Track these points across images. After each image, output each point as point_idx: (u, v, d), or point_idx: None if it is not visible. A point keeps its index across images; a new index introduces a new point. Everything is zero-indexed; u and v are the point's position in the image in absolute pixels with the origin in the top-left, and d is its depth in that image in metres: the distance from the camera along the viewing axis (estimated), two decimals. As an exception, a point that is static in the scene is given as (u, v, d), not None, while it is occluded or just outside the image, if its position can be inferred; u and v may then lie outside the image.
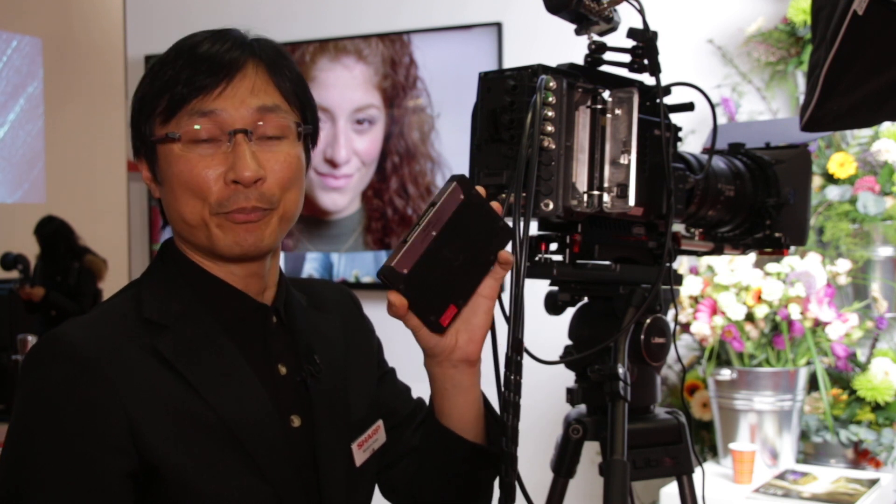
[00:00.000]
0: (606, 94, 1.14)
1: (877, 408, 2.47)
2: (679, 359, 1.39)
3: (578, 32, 1.21)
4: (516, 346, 1.02)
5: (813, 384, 2.50)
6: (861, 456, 2.51)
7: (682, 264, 2.64)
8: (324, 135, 3.42)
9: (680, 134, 1.32)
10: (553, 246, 1.27)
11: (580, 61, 1.24)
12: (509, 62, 3.12)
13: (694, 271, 2.55)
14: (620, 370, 1.23)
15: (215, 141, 1.06)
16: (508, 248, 1.05)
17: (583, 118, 1.13)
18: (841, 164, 2.56)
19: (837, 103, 1.37)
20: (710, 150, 1.38)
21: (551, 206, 1.09)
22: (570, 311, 1.40)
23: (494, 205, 1.04)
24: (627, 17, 1.23)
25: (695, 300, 2.46)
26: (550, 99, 1.08)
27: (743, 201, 1.45)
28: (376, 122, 3.44)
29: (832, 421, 2.48)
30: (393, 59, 3.40)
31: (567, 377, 1.40)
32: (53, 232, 5.32)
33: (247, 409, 1.06)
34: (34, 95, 6.08)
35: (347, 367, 1.22)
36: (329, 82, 3.48)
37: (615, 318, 1.31)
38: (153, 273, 1.14)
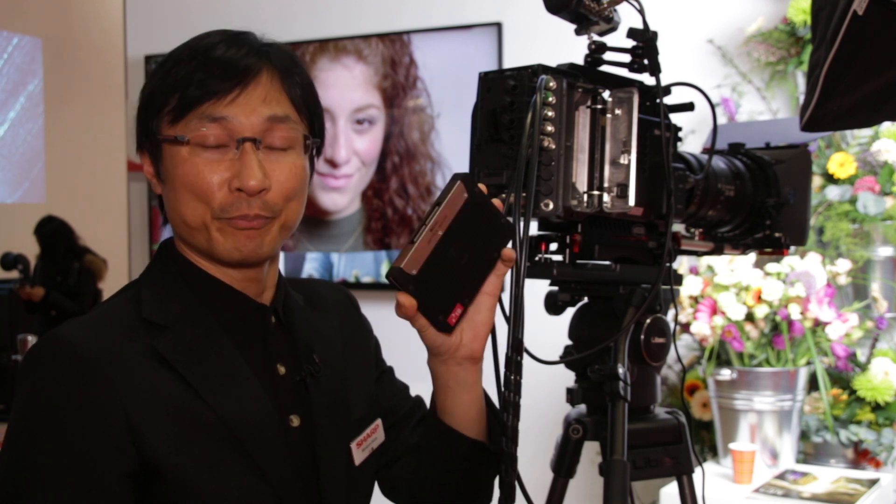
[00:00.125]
0: (606, 94, 1.14)
1: (877, 408, 2.47)
2: (679, 359, 1.39)
3: (578, 32, 1.21)
4: (516, 346, 1.02)
5: (813, 384, 2.50)
6: (861, 456, 2.51)
7: (682, 264, 2.64)
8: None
9: (680, 134, 1.32)
10: (553, 246, 1.27)
11: (580, 61, 1.24)
12: (509, 62, 3.12)
13: (694, 271, 2.55)
14: (620, 370, 1.23)
15: (223, 147, 1.05)
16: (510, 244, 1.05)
17: (583, 118, 1.13)
18: (841, 164, 2.56)
19: (837, 103, 1.37)
20: (710, 150, 1.38)
21: (551, 206, 1.09)
22: (570, 311, 1.40)
23: (496, 202, 1.05)
24: (627, 17, 1.23)
25: (695, 300, 2.46)
26: (550, 99, 1.08)
27: (743, 201, 1.45)
28: (376, 122, 3.44)
29: (832, 421, 2.49)
30: (393, 59, 3.40)
31: (567, 377, 1.40)
32: (53, 232, 5.32)
33: (246, 410, 1.06)
34: (34, 93, 6.08)
35: (346, 366, 1.22)
36: (329, 82, 3.48)
37: (615, 318, 1.31)
38: (152, 273, 1.14)
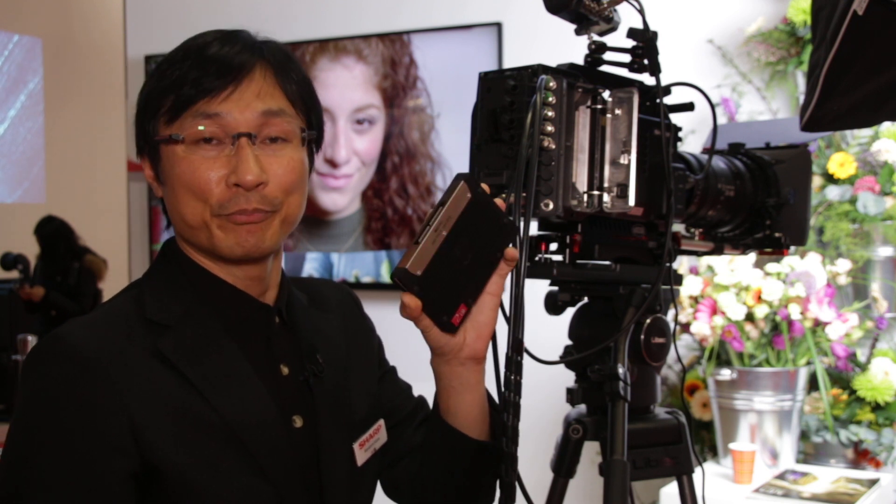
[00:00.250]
0: (606, 94, 1.14)
1: (877, 408, 2.47)
2: (679, 359, 1.39)
3: (578, 32, 1.21)
4: (516, 346, 1.02)
5: (813, 384, 2.50)
6: (861, 456, 2.51)
7: (682, 264, 2.64)
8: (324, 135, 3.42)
9: (680, 134, 1.32)
10: (553, 246, 1.27)
11: (580, 61, 1.24)
12: (509, 62, 3.12)
13: (694, 271, 2.56)
14: (620, 370, 1.23)
15: (219, 143, 1.06)
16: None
17: (583, 118, 1.13)
18: (841, 164, 2.56)
19: (837, 103, 1.37)
20: (710, 150, 1.38)
21: (551, 206, 1.09)
22: (570, 311, 1.40)
23: (498, 202, 1.05)
24: (627, 17, 1.23)
25: (695, 300, 2.46)
26: (550, 99, 1.08)
27: (743, 201, 1.45)
28: (376, 122, 3.44)
29: (832, 421, 2.49)
30: (393, 59, 3.40)
31: (567, 377, 1.40)
32: (53, 232, 5.32)
33: (249, 410, 1.06)
34: (35, 92, 6.08)
35: (349, 366, 1.22)
36: (329, 82, 3.48)
37: (615, 318, 1.31)
38: (155, 273, 1.14)
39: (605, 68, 1.25)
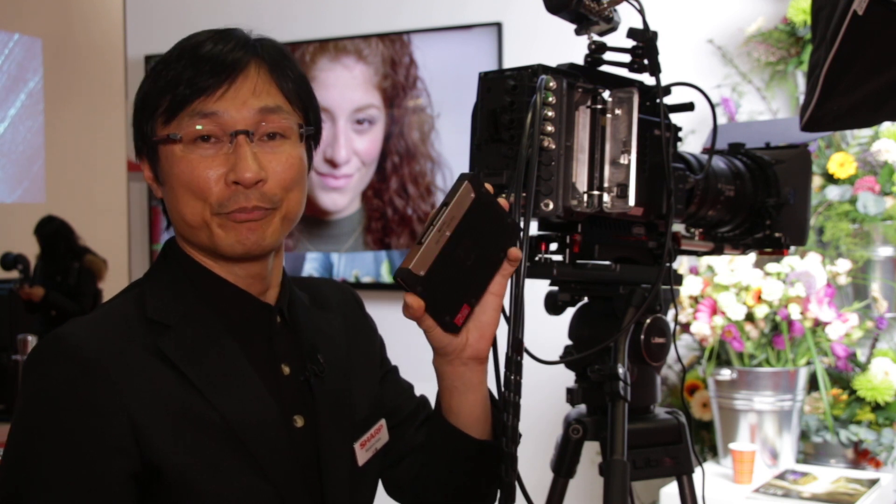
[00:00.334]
0: (606, 94, 1.14)
1: (877, 408, 2.47)
2: (679, 359, 1.39)
3: (578, 32, 1.21)
4: (516, 346, 1.02)
5: (813, 384, 2.50)
6: (861, 456, 2.51)
7: (682, 264, 2.64)
8: (324, 135, 3.42)
9: (680, 134, 1.32)
10: (553, 246, 1.27)
11: (580, 61, 1.24)
12: (509, 62, 3.12)
13: (694, 271, 2.56)
14: (620, 370, 1.23)
15: (217, 142, 1.06)
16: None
17: (583, 118, 1.13)
18: (841, 164, 2.56)
19: (837, 103, 1.37)
20: (710, 150, 1.38)
21: (551, 206, 1.09)
22: (570, 311, 1.40)
23: (501, 201, 1.05)
24: (627, 17, 1.23)
25: (695, 300, 2.46)
26: (550, 99, 1.08)
27: (743, 201, 1.45)
28: (376, 122, 3.44)
29: (832, 421, 2.49)
30: (393, 59, 3.40)
31: (567, 377, 1.40)
32: (53, 232, 5.32)
33: (250, 410, 1.06)
34: (35, 90, 6.07)
35: (350, 366, 1.22)
36: (329, 82, 3.48)
37: (615, 318, 1.31)
38: (156, 273, 1.14)
39: (605, 68, 1.25)
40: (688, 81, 1.30)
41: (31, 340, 3.08)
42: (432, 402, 1.22)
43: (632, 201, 1.13)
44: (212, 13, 3.74)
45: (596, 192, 1.13)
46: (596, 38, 1.23)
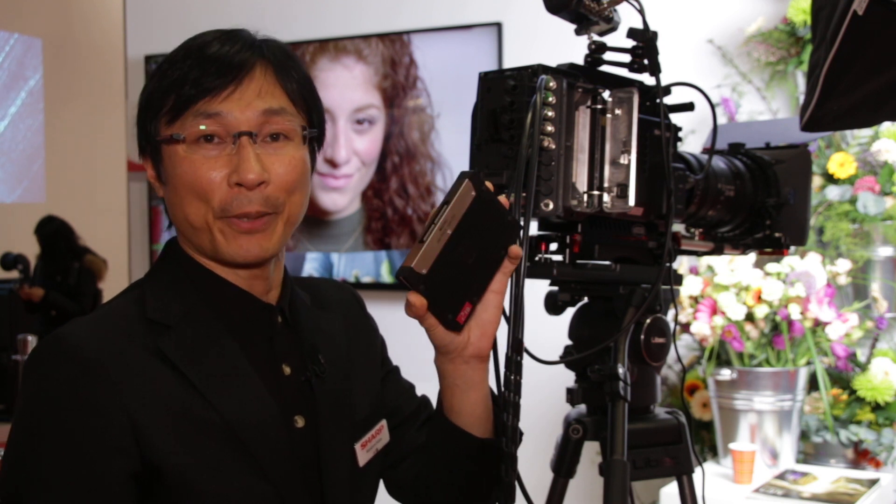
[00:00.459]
0: (606, 94, 1.14)
1: (877, 408, 2.47)
2: (679, 359, 1.39)
3: (578, 32, 1.21)
4: (516, 346, 1.02)
5: (813, 384, 2.50)
6: (861, 456, 2.51)
7: (682, 264, 2.64)
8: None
9: (680, 134, 1.32)
10: (553, 246, 1.27)
11: (580, 61, 1.24)
12: (509, 62, 3.12)
13: (694, 271, 2.56)
14: (620, 370, 1.23)
15: (220, 143, 1.06)
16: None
17: (583, 118, 1.13)
18: (841, 164, 2.56)
19: (837, 103, 1.37)
20: (710, 150, 1.38)
21: (551, 206, 1.09)
22: (570, 311, 1.40)
23: (502, 199, 1.05)
24: (627, 17, 1.23)
25: (695, 300, 2.46)
26: (550, 99, 1.08)
27: (743, 201, 1.45)
28: (376, 122, 3.44)
29: (832, 421, 2.49)
30: (393, 59, 3.40)
31: (567, 377, 1.40)
32: (53, 232, 5.32)
33: (250, 410, 1.06)
34: (35, 89, 6.07)
35: (351, 366, 1.22)
36: (329, 82, 3.49)
37: (615, 318, 1.31)
38: (157, 273, 1.14)
39: (605, 68, 1.25)
40: (688, 81, 1.30)
41: (31, 340, 3.08)
42: (433, 402, 1.22)
43: (632, 201, 1.13)
44: (212, 13, 3.74)
45: (596, 192, 1.13)
46: (596, 38, 1.23)
